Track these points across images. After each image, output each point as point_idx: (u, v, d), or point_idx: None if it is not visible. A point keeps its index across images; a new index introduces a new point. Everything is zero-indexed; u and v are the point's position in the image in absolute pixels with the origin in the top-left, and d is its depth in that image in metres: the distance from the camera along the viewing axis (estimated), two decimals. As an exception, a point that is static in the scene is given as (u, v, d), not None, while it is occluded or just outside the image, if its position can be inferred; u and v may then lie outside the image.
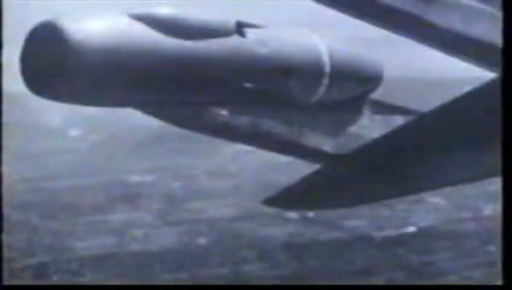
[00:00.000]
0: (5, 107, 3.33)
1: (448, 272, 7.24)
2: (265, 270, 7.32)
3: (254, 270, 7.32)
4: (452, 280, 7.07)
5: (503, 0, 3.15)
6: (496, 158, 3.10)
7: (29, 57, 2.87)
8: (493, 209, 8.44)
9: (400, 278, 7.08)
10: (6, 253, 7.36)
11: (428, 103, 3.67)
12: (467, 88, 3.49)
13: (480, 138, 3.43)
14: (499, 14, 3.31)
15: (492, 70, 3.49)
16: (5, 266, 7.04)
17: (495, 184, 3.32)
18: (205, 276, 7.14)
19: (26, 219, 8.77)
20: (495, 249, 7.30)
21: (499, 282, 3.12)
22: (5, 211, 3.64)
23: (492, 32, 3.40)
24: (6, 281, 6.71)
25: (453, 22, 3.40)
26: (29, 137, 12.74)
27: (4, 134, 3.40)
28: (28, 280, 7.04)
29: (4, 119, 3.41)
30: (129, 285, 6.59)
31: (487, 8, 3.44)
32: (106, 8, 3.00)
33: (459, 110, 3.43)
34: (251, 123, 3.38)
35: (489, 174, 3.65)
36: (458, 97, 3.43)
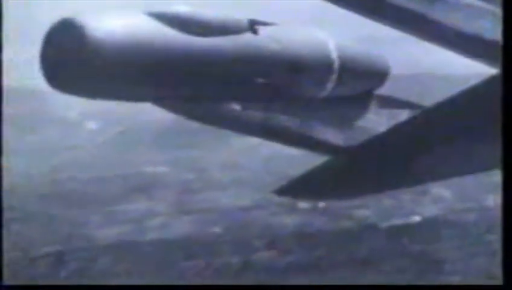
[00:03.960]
0: (23, 101, 3.46)
1: (451, 260, 7.31)
2: (275, 258, 7.41)
3: (265, 258, 7.41)
4: (455, 267, 7.14)
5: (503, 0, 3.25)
6: (497, 151, 3.19)
7: (49, 53, 2.98)
8: (495, 199, 8.48)
9: (405, 266, 7.16)
10: (25, 242, 7.54)
11: (433, 98, 3.75)
12: (472, 83, 3.57)
13: (482, 132, 3.51)
14: (500, 12, 3.39)
15: (495, 66, 3.57)
16: (25, 255, 7.22)
17: (497, 176, 3.40)
18: (219, 263, 7.25)
19: (46, 209, 8.89)
20: (497, 238, 7.35)
21: (499, 275, 3.17)
22: (26, 202, 3.77)
23: (494, 30, 3.49)
24: (25, 272, 6.89)
25: (456, 19, 3.49)
26: (47, 130, 12.83)
27: (23, 127, 3.53)
28: (49, 268, 7.19)
29: (23, 113, 3.54)
30: (129, 285, 6.68)
31: (489, 6, 3.54)
32: (121, 7, 3.11)
33: (462, 104, 3.51)
34: (263, 117, 3.49)
35: (490, 167, 3.73)
36: (461, 92, 3.52)
